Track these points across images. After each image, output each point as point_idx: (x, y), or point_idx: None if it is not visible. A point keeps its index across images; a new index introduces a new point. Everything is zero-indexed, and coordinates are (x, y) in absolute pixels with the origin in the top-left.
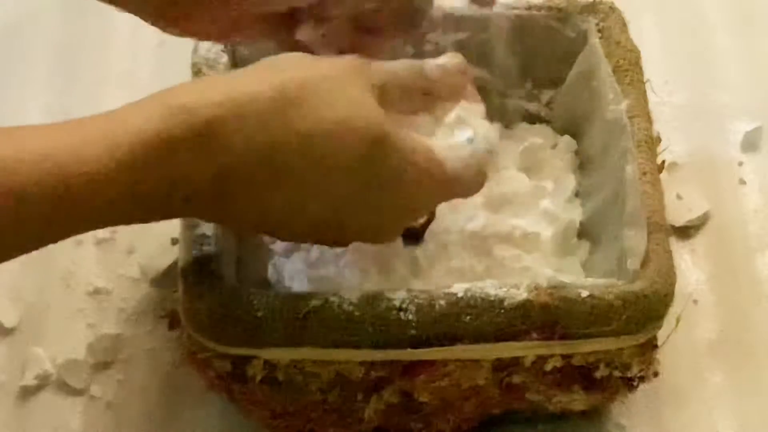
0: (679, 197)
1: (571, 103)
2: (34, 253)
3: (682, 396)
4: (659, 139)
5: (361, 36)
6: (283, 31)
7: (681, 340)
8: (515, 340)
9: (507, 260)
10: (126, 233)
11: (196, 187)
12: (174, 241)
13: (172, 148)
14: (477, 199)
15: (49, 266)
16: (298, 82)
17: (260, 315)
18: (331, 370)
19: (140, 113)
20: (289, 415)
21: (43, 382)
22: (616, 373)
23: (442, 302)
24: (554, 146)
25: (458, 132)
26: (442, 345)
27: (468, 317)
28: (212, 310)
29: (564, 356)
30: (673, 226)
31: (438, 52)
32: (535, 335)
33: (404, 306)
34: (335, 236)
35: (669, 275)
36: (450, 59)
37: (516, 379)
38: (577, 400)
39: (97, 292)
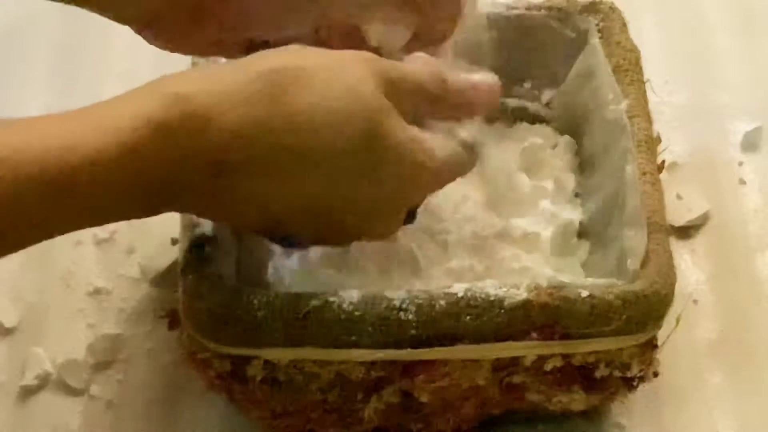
0: (679, 197)
1: (571, 103)
2: (34, 253)
3: (682, 396)
4: (659, 139)
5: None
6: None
7: (681, 340)
8: (515, 340)
9: (507, 260)
10: (126, 233)
11: (191, 177)
12: (174, 241)
13: (167, 136)
14: (477, 199)
15: (49, 266)
16: (294, 70)
17: (260, 315)
18: (331, 370)
19: (135, 102)
20: (289, 415)
21: (43, 382)
22: (616, 373)
23: (442, 302)
24: (554, 146)
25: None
26: (442, 345)
27: (468, 317)
28: (212, 310)
29: (564, 356)
30: (673, 226)
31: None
32: (535, 335)
33: (404, 306)
34: (334, 231)
35: (669, 275)
36: (486, 78)
37: (516, 379)
38: (577, 400)
39: (97, 292)
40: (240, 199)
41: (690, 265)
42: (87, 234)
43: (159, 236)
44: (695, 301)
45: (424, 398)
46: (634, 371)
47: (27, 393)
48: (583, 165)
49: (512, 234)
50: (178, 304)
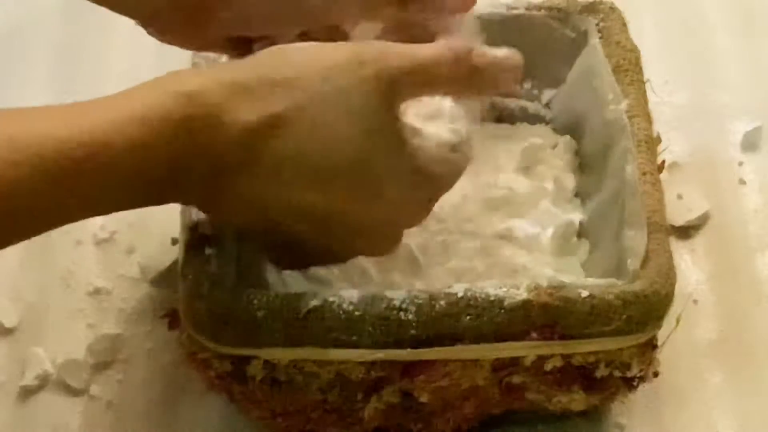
0: (679, 197)
1: (571, 103)
2: (34, 252)
3: (682, 396)
4: (659, 139)
5: None
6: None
7: (681, 340)
8: (515, 340)
9: (507, 260)
10: (126, 233)
11: (194, 174)
12: (174, 241)
13: (172, 132)
14: (477, 199)
15: (49, 266)
16: (302, 74)
17: (260, 315)
18: (331, 370)
19: (142, 97)
20: (289, 415)
21: (43, 382)
22: (616, 373)
23: (442, 302)
24: (554, 146)
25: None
26: (442, 345)
27: (468, 317)
28: (212, 310)
29: (564, 356)
30: (673, 226)
31: None
32: (535, 335)
33: (404, 306)
34: (331, 243)
35: (669, 275)
36: (512, 54)
37: (516, 379)
38: (577, 400)
39: (97, 292)
40: (240, 199)
41: (690, 265)
42: (87, 234)
43: (159, 236)
44: (695, 301)
45: (424, 398)
46: (634, 371)
47: (27, 393)
48: (583, 165)
49: (512, 234)
50: (178, 304)
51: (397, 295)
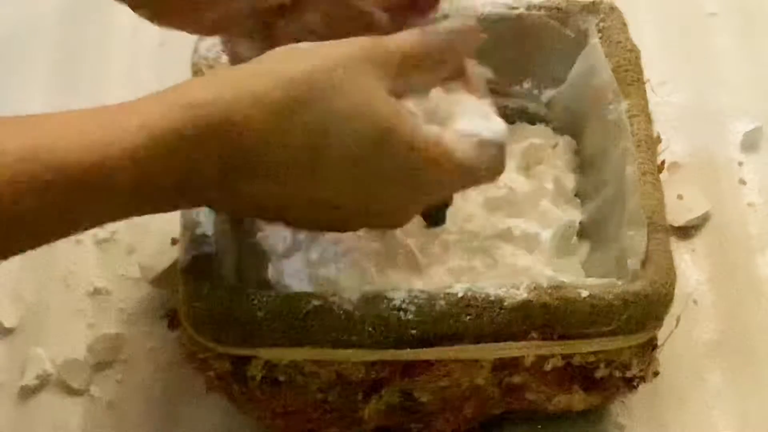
0: (679, 197)
1: (571, 103)
2: (34, 253)
3: (682, 396)
4: (659, 139)
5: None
6: (273, 28)
7: (681, 340)
8: (515, 340)
9: (507, 260)
10: (126, 233)
11: (205, 181)
12: (174, 241)
13: (182, 145)
14: (477, 199)
15: (49, 266)
16: (307, 76)
17: (260, 315)
18: (331, 370)
19: (151, 109)
20: (289, 415)
21: (43, 382)
22: (616, 373)
23: (442, 302)
24: (554, 146)
25: (471, 121)
26: (442, 345)
27: (468, 317)
28: (212, 310)
29: (564, 356)
30: (673, 226)
31: None
32: (535, 335)
33: (404, 306)
34: (344, 222)
35: (669, 275)
36: (463, 20)
37: (516, 379)
38: (577, 400)
39: (97, 292)
40: (257, 201)
41: (690, 265)
42: (87, 234)
43: (159, 236)
44: (695, 301)
45: (424, 398)
46: (634, 371)
47: (27, 393)
48: (583, 165)
49: (512, 234)
50: (178, 304)
51: (397, 295)
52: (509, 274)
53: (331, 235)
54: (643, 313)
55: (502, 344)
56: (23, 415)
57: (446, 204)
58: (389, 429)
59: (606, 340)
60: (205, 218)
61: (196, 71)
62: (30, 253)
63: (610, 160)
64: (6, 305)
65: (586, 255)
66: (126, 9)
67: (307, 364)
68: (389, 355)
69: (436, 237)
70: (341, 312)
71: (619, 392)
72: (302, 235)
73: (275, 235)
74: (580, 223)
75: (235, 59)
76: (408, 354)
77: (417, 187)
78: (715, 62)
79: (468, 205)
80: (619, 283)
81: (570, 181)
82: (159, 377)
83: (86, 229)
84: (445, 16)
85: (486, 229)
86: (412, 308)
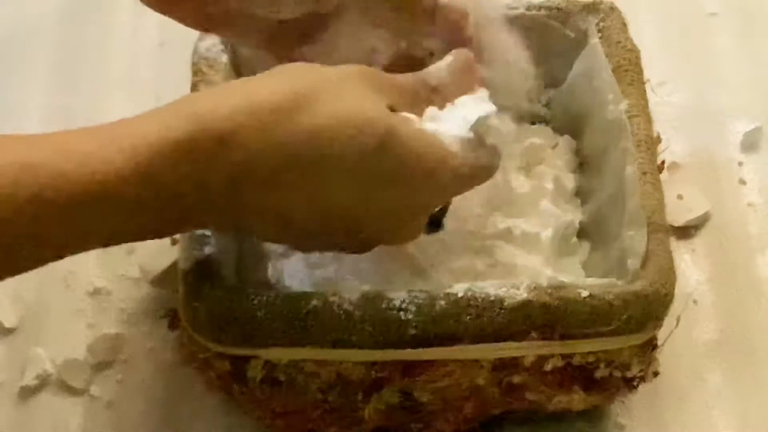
0: (679, 197)
1: (571, 103)
2: None
3: (682, 396)
4: (659, 139)
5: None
6: (279, 46)
7: (681, 340)
8: (515, 340)
9: (507, 260)
10: None
11: (212, 196)
12: (174, 241)
13: (188, 158)
14: (477, 198)
15: (49, 266)
16: (308, 87)
17: (260, 315)
18: (331, 370)
19: (157, 122)
20: (289, 415)
21: (43, 382)
22: (616, 373)
23: (442, 302)
24: (554, 146)
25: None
26: (442, 345)
27: (468, 317)
28: (212, 310)
29: (564, 356)
30: (673, 226)
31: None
32: (535, 335)
33: (404, 306)
34: (354, 238)
35: (669, 275)
36: (457, 56)
37: (516, 379)
38: (577, 400)
39: (97, 292)
40: (260, 215)
41: (690, 265)
42: None
43: None
44: (695, 301)
45: (424, 398)
46: (634, 371)
47: (27, 393)
48: (583, 165)
49: (512, 234)
50: (178, 304)
51: (397, 295)
52: (509, 274)
53: None
54: (643, 313)
55: (502, 344)
56: (23, 415)
57: (444, 209)
58: (389, 429)
59: (606, 340)
60: None
61: (196, 71)
62: None
63: (610, 160)
64: (6, 305)
65: (586, 255)
66: (126, 9)
67: (307, 364)
68: (389, 355)
69: (436, 237)
70: (341, 312)
71: (619, 392)
72: None
73: None
74: (580, 223)
75: (235, 60)
76: (408, 354)
77: (420, 191)
78: (715, 62)
79: (468, 205)
80: (619, 283)
81: (570, 181)
82: (159, 377)
83: (90, 249)
84: None
85: (486, 229)
86: (412, 308)
